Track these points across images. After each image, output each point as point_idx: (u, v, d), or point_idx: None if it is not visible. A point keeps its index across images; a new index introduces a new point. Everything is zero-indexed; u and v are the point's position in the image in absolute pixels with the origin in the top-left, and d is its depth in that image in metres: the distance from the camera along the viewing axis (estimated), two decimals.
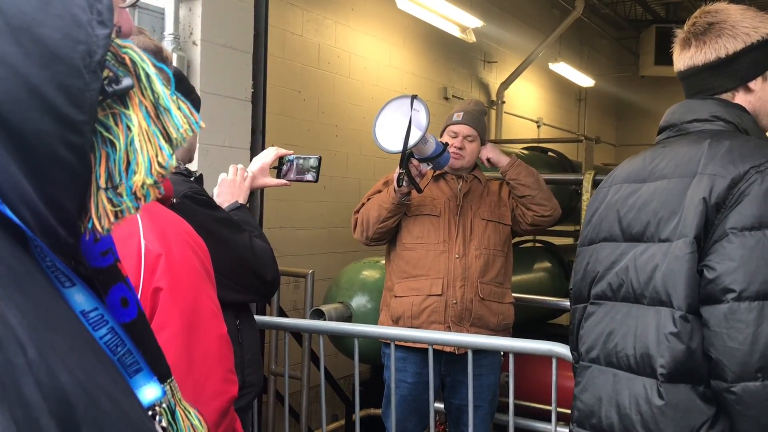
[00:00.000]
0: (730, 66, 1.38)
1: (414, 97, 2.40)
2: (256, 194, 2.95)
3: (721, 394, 1.22)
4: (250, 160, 2.97)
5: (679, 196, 1.31)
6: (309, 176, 2.13)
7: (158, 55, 1.32)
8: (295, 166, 2.14)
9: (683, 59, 1.43)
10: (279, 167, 2.15)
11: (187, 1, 2.85)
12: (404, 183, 2.50)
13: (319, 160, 2.14)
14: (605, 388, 1.39)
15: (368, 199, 2.74)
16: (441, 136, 2.80)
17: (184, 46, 2.83)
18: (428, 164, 2.49)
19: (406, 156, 2.44)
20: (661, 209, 1.34)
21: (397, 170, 2.49)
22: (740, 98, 1.41)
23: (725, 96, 1.41)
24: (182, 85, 1.80)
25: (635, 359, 1.33)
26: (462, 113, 2.81)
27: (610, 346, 1.39)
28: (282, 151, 2.14)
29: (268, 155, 2.12)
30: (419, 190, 2.54)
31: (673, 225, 1.31)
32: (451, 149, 2.70)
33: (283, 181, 2.13)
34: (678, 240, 1.28)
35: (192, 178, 1.72)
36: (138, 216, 1.18)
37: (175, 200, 1.44)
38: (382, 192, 2.69)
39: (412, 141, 2.32)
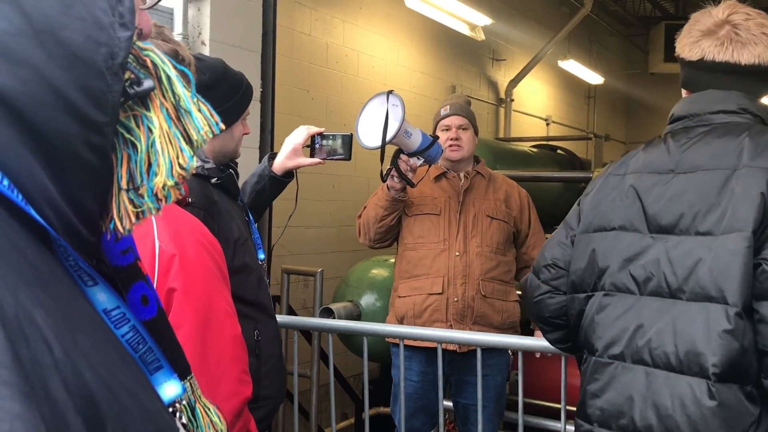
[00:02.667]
0: None
1: (390, 93, 2.36)
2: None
3: None
4: (259, 159, 2.99)
5: (719, 188, 1.28)
6: (340, 154, 2.11)
7: (173, 58, 1.31)
8: (326, 144, 2.12)
9: (746, 54, 1.38)
10: (311, 146, 2.12)
11: (195, 1, 2.86)
12: (396, 179, 2.49)
13: (350, 137, 2.12)
14: (636, 387, 1.32)
15: None
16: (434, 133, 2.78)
17: (193, 45, 2.84)
18: (418, 158, 2.45)
19: (396, 152, 2.43)
20: (697, 202, 1.30)
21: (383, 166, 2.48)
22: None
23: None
24: (228, 76, 1.72)
25: (677, 357, 1.26)
26: (448, 106, 2.81)
27: (639, 343, 1.32)
28: (313, 130, 2.11)
29: (299, 135, 2.09)
30: (412, 185, 2.52)
31: (714, 218, 1.27)
32: (447, 142, 2.69)
33: (317, 159, 2.11)
34: (729, 234, 1.24)
35: (216, 179, 1.68)
36: (152, 217, 1.18)
37: (190, 200, 1.44)
38: (378, 192, 2.69)
39: (389, 135, 2.28)
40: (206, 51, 2.85)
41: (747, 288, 1.21)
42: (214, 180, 1.67)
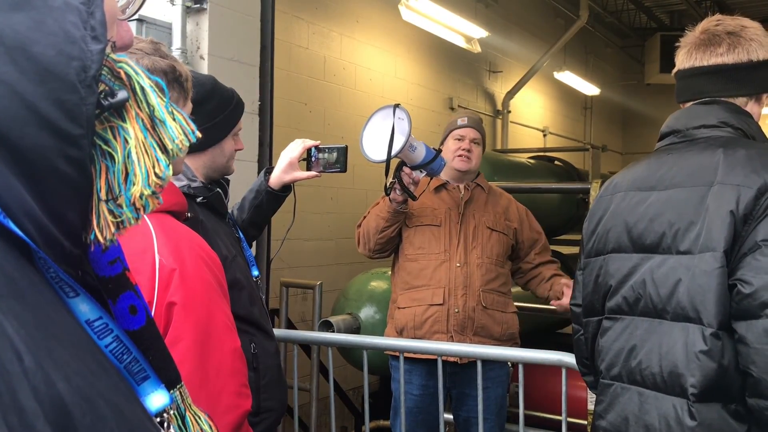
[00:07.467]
0: (758, 71, 1.39)
1: (396, 106, 2.36)
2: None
3: (762, 413, 1.16)
4: (258, 173, 2.99)
5: (696, 206, 1.28)
6: (337, 167, 2.11)
7: (171, 73, 1.29)
8: (322, 157, 2.11)
9: (710, 56, 1.40)
10: (308, 159, 2.11)
11: (194, 15, 2.88)
12: (398, 191, 2.50)
13: (346, 149, 2.11)
14: (631, 407, 1.34)
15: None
16: (443, 143, 2.79)
17: (191, 60, 2.85)
18: (421, 171, 2.45)
19: (398, 165, 2.43)
20: (677, 220, 1.30)
21: (387, 179, 2.48)
22: (750, 107, 1.42)
23: (739, 102, 1.40)
24: (217, 91, 1.71)
25: (662, 377, 1.28)
26: (466, 118, 2.82)
27: (633, 364, 1.34)
28: (309, 143, 2.11)
29: (295, 149, 2.09)
30: (414, 198, 2.51)
31: (692, 236, 1.27)
32: (458, 152, 2.70)
33: (313, 173, 2.10)
34: (704, 253, 1.24)
35: (202, 198, 1.66)
36: (152, 231, 1.19)
37: (189, 215, 1.44)
38: (379, 203, 2.69)
39: (395, 149, 2.29)
40: (205, 65, 2.87)
41: (723, 308, 1.21)
42: (199, 199, 1.66)
